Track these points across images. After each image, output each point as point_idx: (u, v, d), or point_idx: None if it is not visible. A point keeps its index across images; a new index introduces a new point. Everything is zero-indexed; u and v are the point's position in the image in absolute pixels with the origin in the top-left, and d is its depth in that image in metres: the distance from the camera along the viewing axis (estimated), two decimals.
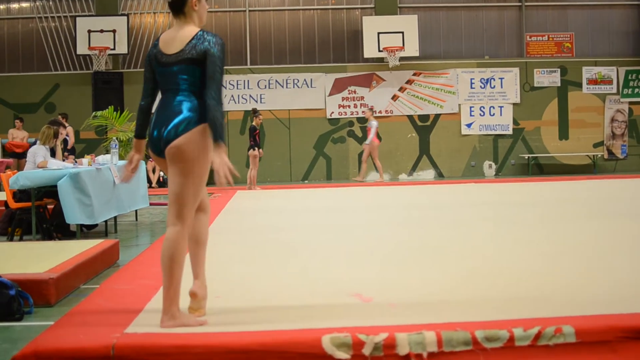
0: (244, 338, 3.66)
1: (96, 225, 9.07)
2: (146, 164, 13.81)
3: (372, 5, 19.27)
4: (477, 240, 7.50)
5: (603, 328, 3.73)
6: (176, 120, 4.01)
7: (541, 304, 4.41)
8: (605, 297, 4.60)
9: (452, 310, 4.32)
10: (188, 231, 4.15)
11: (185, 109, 4.03)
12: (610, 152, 19.38)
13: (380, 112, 18.86)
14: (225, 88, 18.77)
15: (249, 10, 19.24)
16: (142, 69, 16.21)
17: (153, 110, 4.20)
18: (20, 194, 8.48)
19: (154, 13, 19.22)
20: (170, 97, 4.11)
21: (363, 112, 18.26)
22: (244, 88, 18.73)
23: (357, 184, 16.98)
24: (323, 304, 4.62)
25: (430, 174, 19.04)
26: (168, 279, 4.04)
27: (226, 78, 18.74)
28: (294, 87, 18.93)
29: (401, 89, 18.99)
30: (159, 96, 4.25)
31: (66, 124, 15.44)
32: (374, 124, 17.24)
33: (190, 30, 4.13)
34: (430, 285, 5.16)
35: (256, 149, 15.65)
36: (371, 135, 17.20)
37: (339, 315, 4.24)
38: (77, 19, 18.42)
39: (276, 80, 18.94)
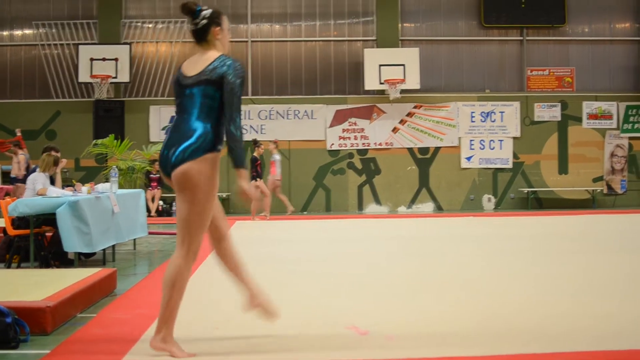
0: None
1: (94, 253, 9.02)
2: (145, 192, 13.83)
3: (373, 38, 19.42)
4: (473, 273, 7.58)
5: None
6: (185, 145, 4.12)
7: (533, 338, 4.45)
8: (592, 332, 4.68)
9: (447, 343, 4.37)
10: (194, 258, 4.22)
11: (196, 135, 4.13)
12: (609, 187, 19.42)
13: (380, 144, 18.95)
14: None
15: (252, 41, 19.40)
16: (144, 98, 16.33)
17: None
18: (19, 221, 8.48)
19: (157, 42, 19.37)
20: (184, 120, 4.22)
21: (267, 144, 17.39)
22: (245, 118, 18.80)
23: (355, 216, 17.03)
24: (320, 335, 4.66)
25: (429, 206, 19.06)
26: (165, 300, 4.13)
27: None
28: (294, 117, 19.03)
29: (402, 122, 19.07)
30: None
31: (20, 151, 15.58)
32: (277, 157, 16.87)
33: (212, 55, 4.28)
34: (426, 317, 5.20)
35: (258, 180, 15.70)
36: (277, 169, 16.81)
37: (336, 347, 4.30)
38: (80, 47, 18.58)
39: (277, 111, 19.04)
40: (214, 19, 4.40)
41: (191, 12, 4.39)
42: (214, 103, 4.16)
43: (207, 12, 4.39)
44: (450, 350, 4.12)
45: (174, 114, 4.42)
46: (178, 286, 4.12)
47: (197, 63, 4.27)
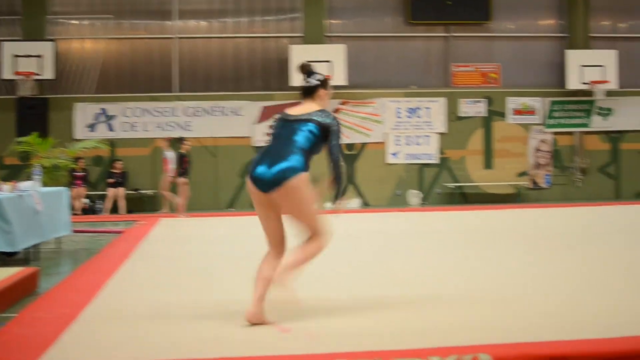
0: None
1: (17, 252, 9.27)
2: (70, 190, 14.83)
3: (301, 34, 21.01)
4: (401, 267, 8.30)
5: (519, 355, 4.16)
6: (284, 166, 5.44)
7: (460, 332, 4.91)
8: (521, 324, 5.21)
9: (368, 338, 4.83)
10: (330, 235, 5.68)
11: (293, 160, 5.48)
12: (534, 182, 21.29)
13: None
14: (153, 116, 20.36)
15: (178, 38, 20.87)
16: (69, 95, 17.50)
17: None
18: None
19: (82, 39, 20.74)
20: (282, 144, 5.58)
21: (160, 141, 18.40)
22: (171, 115, 20.28)
23: None
24: (241, 332, 5.21)
25: (356, 202, 20.68)
26: (299, 260, 5.51)
27: (153, 105, 20.35)
28: (221, 114, 20.53)
29: None
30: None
31: None
32: (169, 154, 17.45)
33: (315, 107, 5.75)
34: (348, 313, 5.78)
35: (185, 177, 17.15)
36: (170, 166, 17.27)
37: (257, 344, 4.83)
38: (3, 43, 19.66)
39: (203, 108, 20.53)
40: (324, 84, 5.86)
41: (307, 73, 5.89)
42: (312, 137, 5.60)
43: (320, 77, 5.87)
44: (369, 344, 4.59)
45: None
46: (313, 255, 5.57)
47: (302, 109, 5.70)
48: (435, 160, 20.99)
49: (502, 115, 21.22)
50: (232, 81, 20.89)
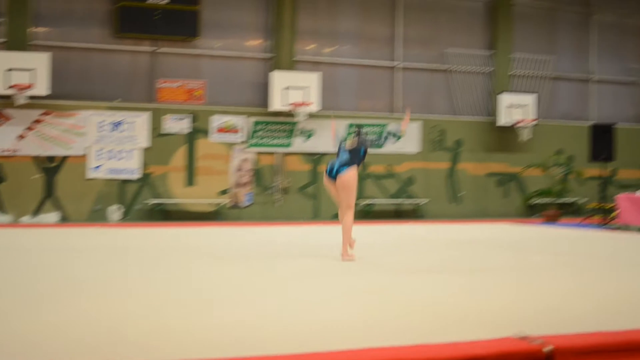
0: None
1: None
2: None
3: (3, 40, 22.87)
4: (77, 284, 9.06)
5: None
6: (342, 166, 12.26)
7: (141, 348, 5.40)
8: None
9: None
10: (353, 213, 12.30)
11: (345, 163, 12.31)
12: (235, 200, 24.69)
13: (5, 150, 22.59)
14: None
15: None
16: None
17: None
18: None
19: None
20: (341, 157, 12.43)
21: None
22: None
23: None
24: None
25: (55, 216, 22.98)
26: (347, 235, 12.23)
27: None
28: None
29: (29, 128, 22.89)
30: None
31: None
32: None
33: (356, 142, 12.66)
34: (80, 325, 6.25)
35: None
36: None
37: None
38: None
39: None
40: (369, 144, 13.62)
41: (358, 133, 12.88)
42: (358, 153, 12.46)
43: (370, 139, 15.01)
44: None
45: None
46: (350, 226, 12.22)
47: (351, 144, 12.56)
48: (137, 175, 23.75)
49: (206, 132, 24.35)
50: None
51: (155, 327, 6.16)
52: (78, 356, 5.15)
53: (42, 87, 22.34)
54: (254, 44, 25.50)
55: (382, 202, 26.11)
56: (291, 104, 24.34)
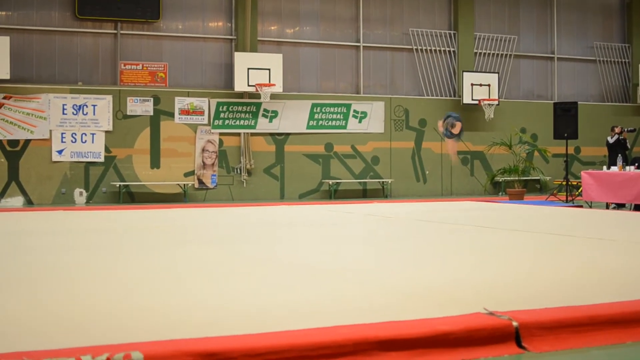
0: None
1: None
2: None
3: None
4: (63, 269, 8.65)
5: (172, 353, 4.40)
6: None
7: (114, 330, 5.16)
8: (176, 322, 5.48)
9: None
10: None
11: None
12: (200, 182, 24.94)
13: None
14: None
15: None
16: None
17: None
18: None
19: None
20: None
21: None
22: None
23: None
24: None
25: (19, 200, 23.15)
26: None
27: None
28: None
29: None
30: None
31: None
32: None
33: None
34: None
35: None
36: None
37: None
38: None
39: None
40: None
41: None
42: None
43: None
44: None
45: None
46: None
47: None
48: (101, 158, 23.97)
49: (169, 114, 24.65)
50: None
51: (125, 307, 6.02)
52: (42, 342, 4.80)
53: (2, 71, 22.56)
54: (217, 25, 25.78)
55: (347, 181, 26.46)
56: (255, 84, 24.60)
